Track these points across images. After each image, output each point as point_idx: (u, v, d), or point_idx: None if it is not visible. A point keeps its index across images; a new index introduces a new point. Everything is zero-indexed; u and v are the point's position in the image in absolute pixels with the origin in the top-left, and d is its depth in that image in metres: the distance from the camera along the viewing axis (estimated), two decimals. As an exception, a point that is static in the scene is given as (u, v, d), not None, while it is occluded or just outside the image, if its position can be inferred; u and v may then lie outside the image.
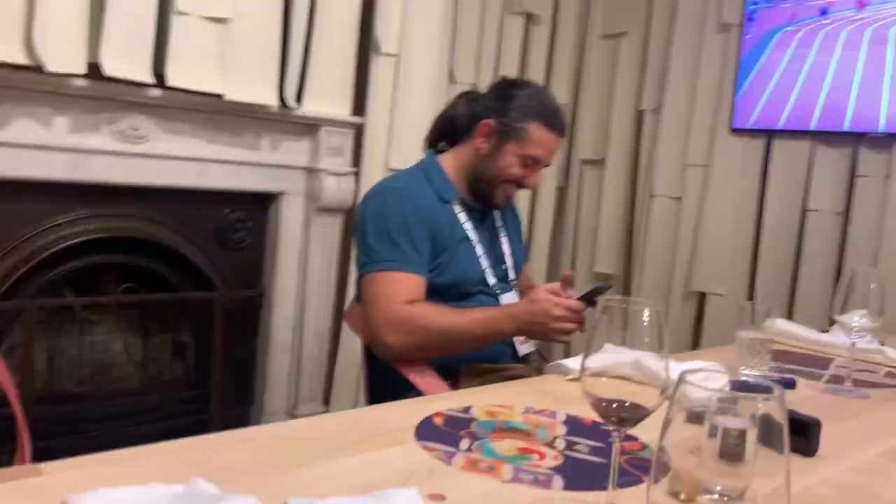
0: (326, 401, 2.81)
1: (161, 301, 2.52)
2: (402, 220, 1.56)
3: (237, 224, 2.58)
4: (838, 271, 2.83)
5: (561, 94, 3.49)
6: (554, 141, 1.64)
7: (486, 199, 1.68)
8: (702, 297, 3.21)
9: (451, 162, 1.70)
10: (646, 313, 0.79)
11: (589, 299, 1.51)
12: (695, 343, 3.22)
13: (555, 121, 1.64)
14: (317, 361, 2.75)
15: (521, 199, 3.32)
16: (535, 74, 3.37)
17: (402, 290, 1.53)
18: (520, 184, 1.67)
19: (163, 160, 2.31)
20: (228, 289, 2.56)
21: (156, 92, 2.22)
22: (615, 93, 3.52)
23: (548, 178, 3.51)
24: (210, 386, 2.56)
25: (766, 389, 0.59)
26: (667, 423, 0.60)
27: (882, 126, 2.67)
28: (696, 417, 0.64)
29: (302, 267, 2.69)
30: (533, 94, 1.65)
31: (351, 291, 2.72)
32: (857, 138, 2.78)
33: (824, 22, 2.82)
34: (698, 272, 3.18)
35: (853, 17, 2.75)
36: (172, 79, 2.22)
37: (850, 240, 2.80)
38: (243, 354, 2.67)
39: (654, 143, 3.37)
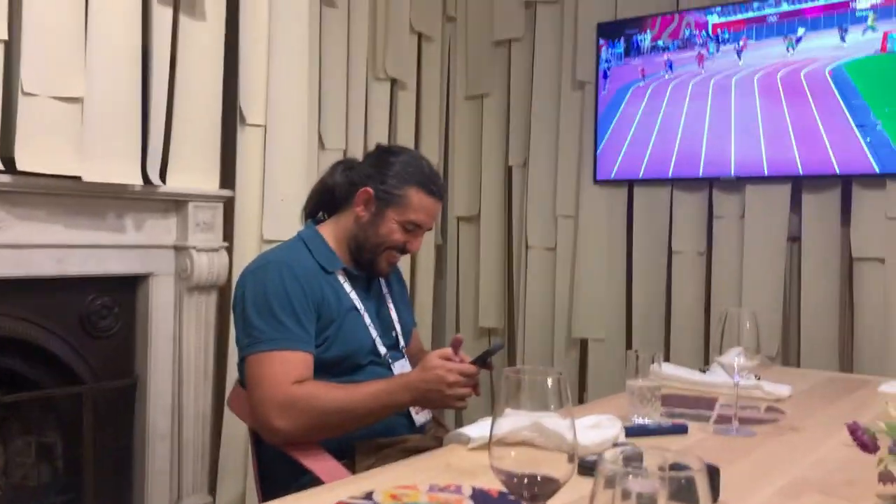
0: (213, 490, 2.65)
1: (22, 401, 2.32)
2: (285, 295, 1.50)
3: (103, 311, 2.42)
4: (707, 309, 2.97)
5: (431, 154, 3.54)
6: (433, 205, 1.65)
7: (370, 266, 1.66)
8: (583, 343, 3.29)
9: (331, 231, 1.67)
10: (549, 381, 0.78)
11: (482, 361, 1.51)
12: (581, 389, 3.28)
13: (433, 186, 1.65)
14: (199, 449, 2.60)
15: (401, 259, 3.30)
16: (405, 137, 3.41)
17: (289, 369, 1.47)
18: (403, 249, 1.66)
19: (16, 249, 2.15)
20: (97, 380, 2.39)
21: (5, 178, 2.08)
22: (483, 150, 3.61)
23: (426, 238, 3.51)
24: (83, 488, 2.36)
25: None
26: (592, 497, 0.59)
27: (733, 170, 2.86)
28: (610, 481, 0.64)
29: (176, 350, 2.55)
30: (409, 161, 1.66)
31: (230, 372, 2.60)
32: (710, 182, 2.96)
33: (671, 77, 3.01)
34: (578, 319, 3.26)
35: (695, 72, 2.95)
36: (23, 163, 2.08)
37: (714, 278, 2.96)
38: (118, 449, 2.48)
39: (525, 197, 3.47)
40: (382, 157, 1.67)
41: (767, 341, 2.76)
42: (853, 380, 2.03)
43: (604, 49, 3.16)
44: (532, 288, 3.42)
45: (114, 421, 2.46)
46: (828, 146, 2.66)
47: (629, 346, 3.13)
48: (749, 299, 2.81)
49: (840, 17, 2.64)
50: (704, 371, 1.86)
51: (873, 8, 2.58)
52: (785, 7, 2.74)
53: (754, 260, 2.84)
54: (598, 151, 3.20)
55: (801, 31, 2.72)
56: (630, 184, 3.18)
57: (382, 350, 1.63)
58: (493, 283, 3.59)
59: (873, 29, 2.59)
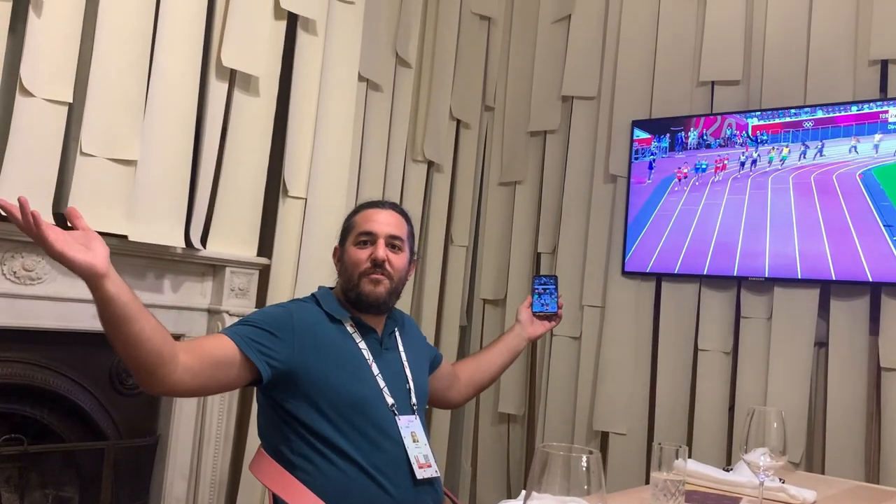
0: (222, 558, 2.62)
1: (44, 452, 2.34)
2: (265, 313, 1.69)
3: (133, 368, 2.46)
4: (731, 409, 2.94)
5: (462, 236, 3.61)
6: (374, 213, 1.79)
7: (358, 301, 1.74)
8: (605, 436, 3.25)
9: (337, 294, 1.81)
10: (584, 460, 0.80)
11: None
12: (599, 483, 3.22)
13: (369, 203, 1.84)
14: (213, 514, 2.59)
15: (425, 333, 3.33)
16: (438, 217, 3.49)
17: (202, 338, 1.68)
18: (374, 263, 1.72)
19: (57, 302, 2.21)
20: (121, 437, 2.41)
21: (54, 232, 2.16)
22: (514, 236, 3.67)
23: (450, 318, 3.56)
24: (94, 547, 2.35)
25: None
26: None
27: (767, 270, 2.88)
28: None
29: (200, 412, 2.57)
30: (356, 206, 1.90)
31: (251, 438, 2.61)
32: (739, 281, 2.98)
33: (711, 173, 3.07)
34: (600, 412, 3.23)
35: (735, 170, 3.01)
36: (74, 219, 2.16)
37: (740, 378, 2.94)
38: (133, 509, 2.48)
39: (553, 285, 3.49)
40: None
41: (792, 446, 2.71)
42: (880, 490, 1.99)
43: (652, 141, 3.24)
44: (554, 376, 3.41)
45: (133, 479, 2.47)
46: (857, 244, 2.70)
47: (651, 441, 3.09)
48: (774, 402, 2.78)
49: (870, 126, 2.73)
50: (728, 470, 1.85)
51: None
52: (819, 115, 2.83)
53: (780, 363, 2.82)
54: (637, 242, 3.23)
55: (833, 136, 2.80)
56: (658, 277, 3.20)
57: (390, 401, 1.68)
58: (515, 369, 3.57)
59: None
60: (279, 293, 2.71)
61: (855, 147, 2.76)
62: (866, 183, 2.72)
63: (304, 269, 2.76)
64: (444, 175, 3.55)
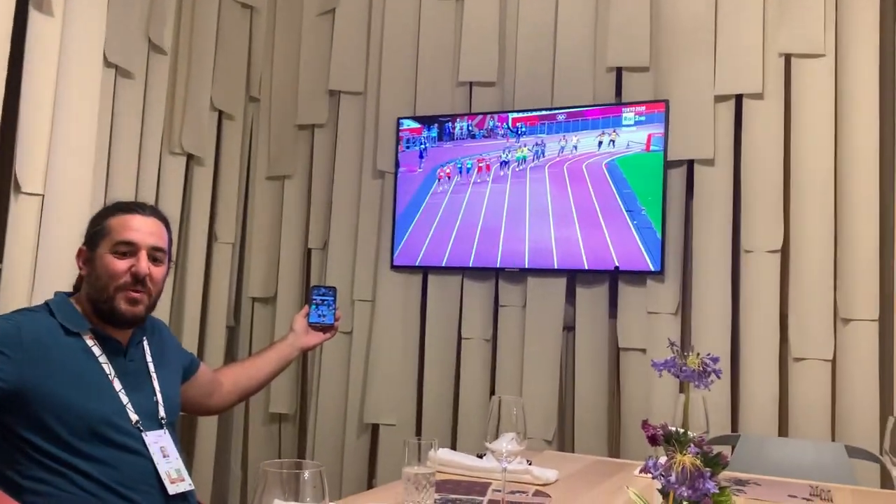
0: None
1: None
2: None
3: None
4: (492, 394, 3.09)
5: (227, 233, 3.48)
6: (134, 219, 1.67)
7: (112, 315, 1.62)
8: (375, 428, 3.29)
9: (77, 301, 1.67)
10: (306, 475, 0.79)
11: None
12: (371, 475, 3.27)
13: (127, 206, 1.71)
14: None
15: (189, 341, 3.18)
16: (199, 212, 3.33)
17: None
18: (136, 279, 1.62)
19: None
20: None
21: None
22: (283, 232, 3.60)
23: (217, 319, 3.41)
24: None
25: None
26: None
27: (527, 261, 3.05)
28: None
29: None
30: (105, 205, 1.76)
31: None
32: (497, 272, 3.13)
33: (475, 164, 3.19)
34: (370, 405, 3.26)
35: (497, 160, 3.16)
36: None
37: (499, 364, 3.10)
38: None
39: (323, 280, 3.47)
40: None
41: (544, 426, 2.92)
42: (615, 464, 2.19)
43: (422, 131, 3.30)
44: (326, 372, 3.39)
45: None
46: (605, 231, 2.93)
47: (419, 431, 3.18)
48: (529, 385, 2.97)
49: (614, 119, 2.98)
50: (481, 457, 1.93)
51: (638, 114, 2.94)
52: (571, 109, 3.04)
53: (534, 347, 3.01)
54: (406, 236, 3.29)
55: (583, 129, 3.03)
56: (425, 271, 3.29)
57: (134, 417, 1.58)
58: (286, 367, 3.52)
59: (639, 131, 2.93)
60: (12, 301, 2.44)
61: (601, 140, 3.00)
62: (611, 172, 2.97)
63: (42, 273, 2.50)
64: (206, 168, 3.39)
